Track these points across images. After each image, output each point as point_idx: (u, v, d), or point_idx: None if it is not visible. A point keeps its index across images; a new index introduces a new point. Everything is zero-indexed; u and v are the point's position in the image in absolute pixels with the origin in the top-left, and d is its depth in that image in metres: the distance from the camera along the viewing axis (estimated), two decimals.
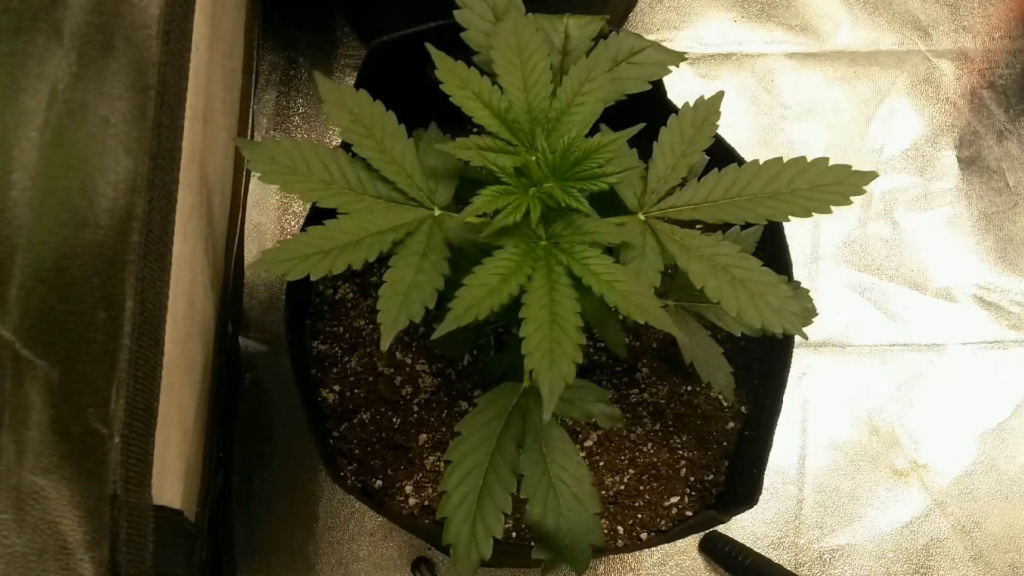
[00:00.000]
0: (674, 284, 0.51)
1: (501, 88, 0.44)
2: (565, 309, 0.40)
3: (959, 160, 0.79)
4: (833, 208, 0.43)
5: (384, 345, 0.40)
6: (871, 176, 0.43)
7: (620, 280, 0.40)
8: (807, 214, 0.43)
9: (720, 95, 0.46)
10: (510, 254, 0.41)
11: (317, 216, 0.47)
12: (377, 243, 0.42)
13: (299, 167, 0.44)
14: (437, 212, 0.44)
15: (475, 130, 0.43)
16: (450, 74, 0.44)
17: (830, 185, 0.43)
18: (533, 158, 0.42)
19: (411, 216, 0.43)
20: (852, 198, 0.43)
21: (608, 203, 0.43)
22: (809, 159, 0.44)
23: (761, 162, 0.45)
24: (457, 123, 0.46)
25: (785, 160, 0.44)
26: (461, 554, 0.42)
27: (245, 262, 0.70)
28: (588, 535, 0.43)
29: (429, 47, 0.44)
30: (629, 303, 0.39)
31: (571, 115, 0.43)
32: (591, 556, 0.43)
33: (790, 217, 0.43)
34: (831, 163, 0.44)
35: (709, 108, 0.46)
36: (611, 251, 0.42)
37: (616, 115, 0.45)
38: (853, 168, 0.44)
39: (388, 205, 0.44)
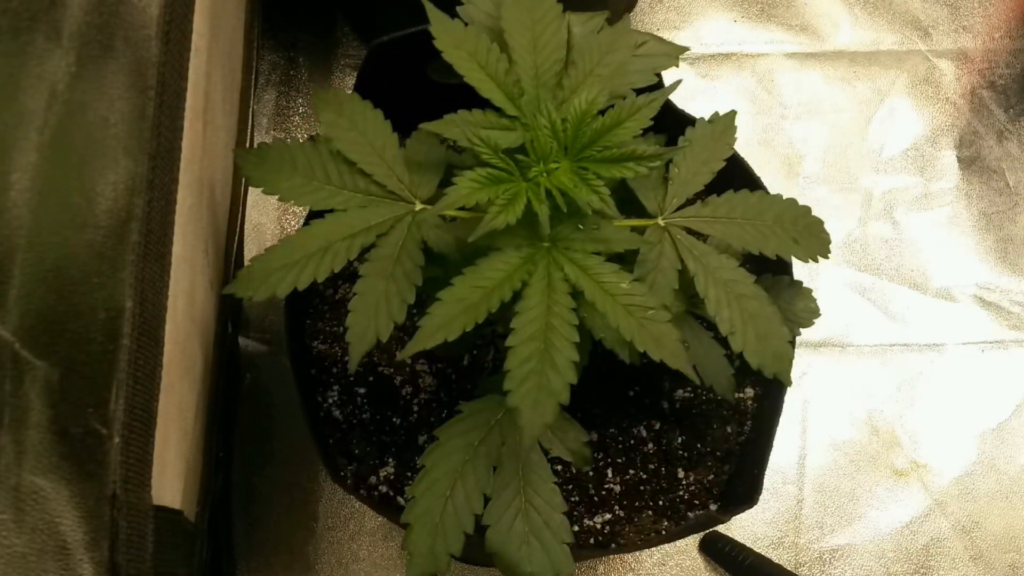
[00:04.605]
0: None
1: (508, 50, 0.40)
2: (561, 337, 0.35)
3: (959, 160, 0.79)
4: None
5: (352, 366, 0.38)
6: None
7: (638, 304, 0.35)
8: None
9: (732, 114, 0.47)
10: (500, 263, 0.36)
11: (312, 219, 0.46)
12: (344, 249, 0.39)
13: (284, 167, 0.42)
14: (418, 206, 0.41)
15: None
16: (445, 33, 0.41)
17: None
18: (540, 124, 0.36)
19: (387, 214, 0.41)
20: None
21: (619, 204, 0.39)
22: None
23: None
24: None
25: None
26: (416, 563, 0.40)
27: (245, 262, 0.70)
28: (556, 563, 0.42)
29: (425, 1, 0.41)
30: (647, 335, 0.35)
31: (589, 87, 0.39)
32: None
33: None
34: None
35: (725, 123, 0.47)
36: (620, 259, 0.38)
37: None
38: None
39: (366, 200, 0.42)
